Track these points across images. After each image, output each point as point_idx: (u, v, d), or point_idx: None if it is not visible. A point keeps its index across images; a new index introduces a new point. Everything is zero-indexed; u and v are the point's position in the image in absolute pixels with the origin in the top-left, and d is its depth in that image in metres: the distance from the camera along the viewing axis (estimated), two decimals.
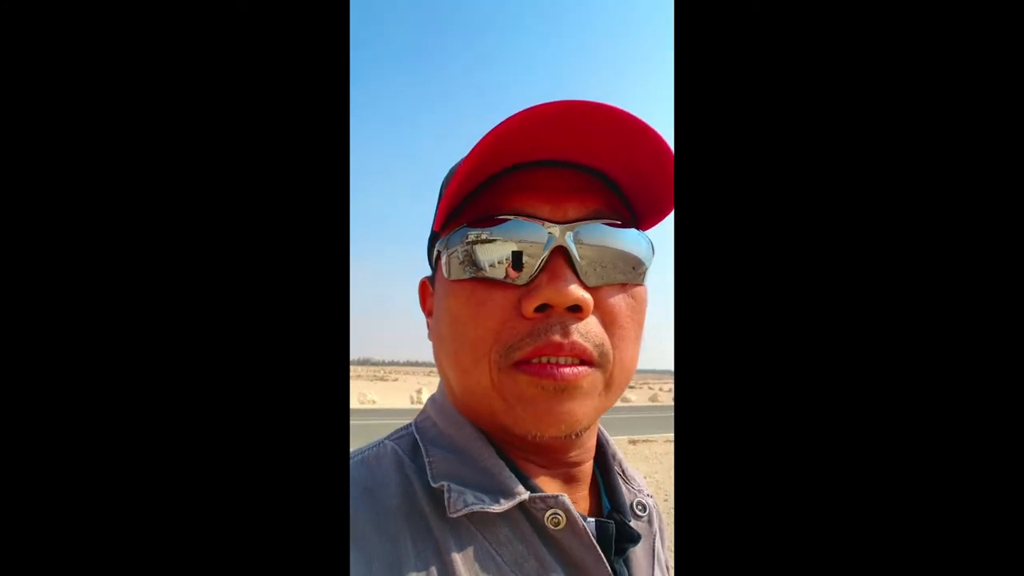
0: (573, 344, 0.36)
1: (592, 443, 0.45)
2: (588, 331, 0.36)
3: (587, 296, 0.36)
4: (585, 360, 0.36)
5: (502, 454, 0.41)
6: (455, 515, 0.36)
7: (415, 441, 0.43)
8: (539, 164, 0.39)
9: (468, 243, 0.38)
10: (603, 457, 0.48)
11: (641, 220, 0.43)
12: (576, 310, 0.36)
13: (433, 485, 0.38)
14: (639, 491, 0.47)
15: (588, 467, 0.45)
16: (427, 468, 0.40)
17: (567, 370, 0.36)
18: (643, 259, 0.40)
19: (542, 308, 0.36)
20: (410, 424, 0.46)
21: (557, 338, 0.35)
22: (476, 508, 0.37)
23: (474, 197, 0.40)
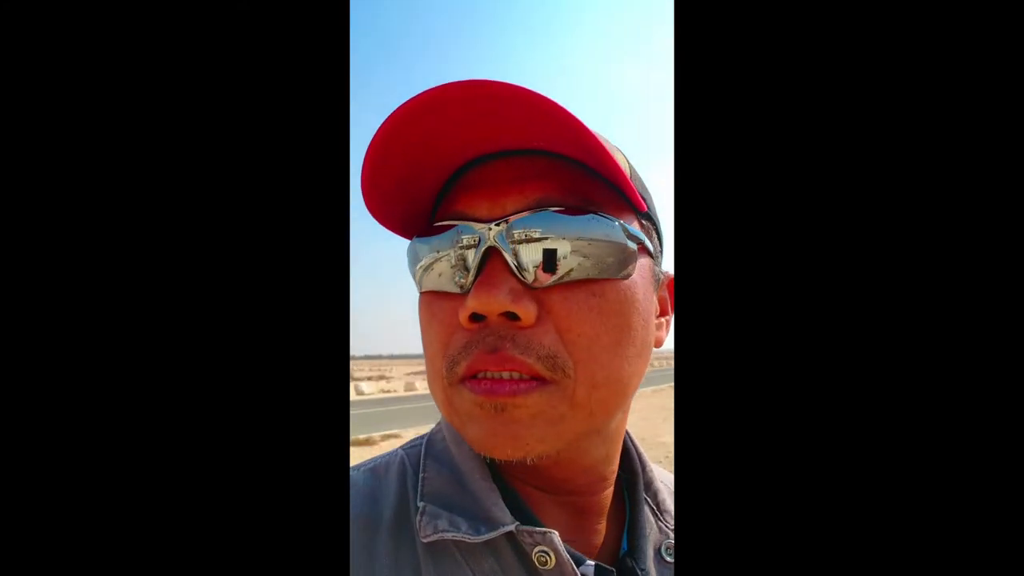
0: (504, 357, 0.31)
1: (608, 470, 0.40)
2: (530, 341, 0.32)
3: (523, 303, 0.31)
4: (531, 375, 0.32)
5: (499, 476, 0.38)
6: (426, 540, 0.34)
7: (421, 453, 0.41)
8: (490, 157, 0.35)
9: (417, 254, 0.36)
10: (633, 488, 0.42)
11: (635, 203, 0.37)
12: (514, 318, 0.32)
13: (418, 504, 0.36)
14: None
15: (604, 498, 0.40)
16: (419, 484, 0.38)
17: (504, 386, 0.32)
18: (612, 248, 0.33)
19: (477, 318, 0.32)
20: (426, 435, 0.44)
21: (488, 351, 0.32)
22: (448, 536, 0.34)
23: (439, 201, 0.38)
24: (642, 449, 0.45)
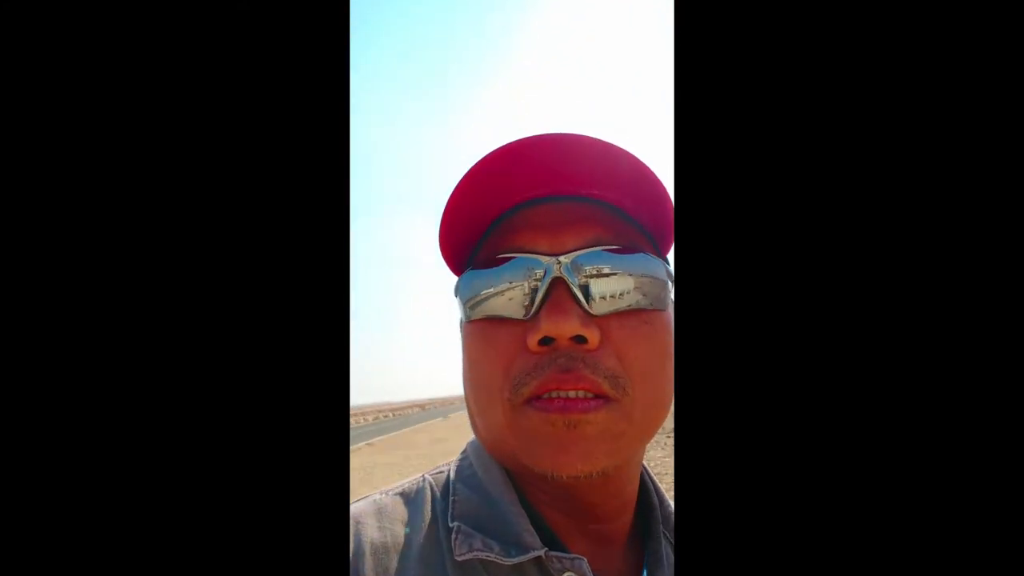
0: (579, 376, 0.34)
1: (632, 494, 0.42)
2: (597, 362, 0.35)
3: (591, 328, 0.35)
4: (598, 393, 0.35)
5: (526, 501, 0.40)
6: (460, 558, 0.36)
7: (448, 478, 0.43)
8: (540, 201, 0.39)
9: (476, 284, 0.39)
10: (647, 519, 0.44)
11: (660, 246, 0.42)
12: (581, 341, 0.35)
13: (450, 524, 0.38)
14: None
15: (625, 525, 0.42)
16: (450, 506, 0.40)
17: (577, 404, 0.34)
18: (657, 281, 0.38)
19: (546, 341, 0.35)
20: (452, 461, 0.46)
21: (561, 371, 0.34)
22: (482, 556, 0.36)
23: (485, 239, 0.41)
24: (658, 482, 0.46)
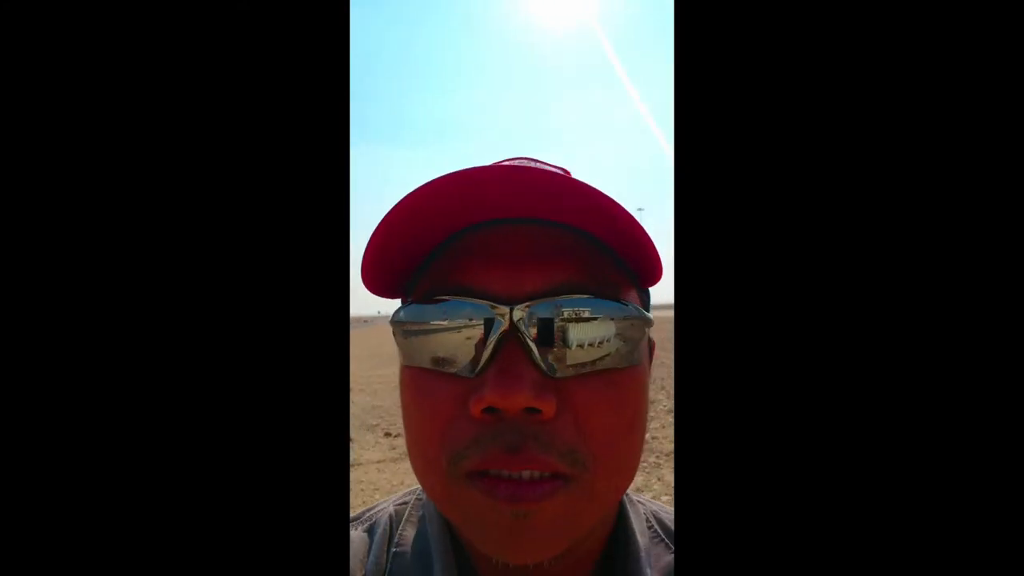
0: (528, 458, 0.28)
1: (587, 552, 0.36)
2: (552, 437, 0.29)
3: (546, 397, 0.29)
4: (554, 472, 0.29)
5: (464, 560, 0.36)
6: None
7: (405, 513, 0.41)
8: (498, 223, 0.32)
9: (412, 325, 0.32)
10: (607, 571, 0.37)
11: (642, 278, 0.36)
12: (534, 412, 0.29)
13: None
14: None
15: None
16: (387, 558, 0.37)
17: (528, 489, 0.29)
18: (633, 337, 0.32)
19: (492, 411, 0.29)
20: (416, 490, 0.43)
21: (506, 450, 0.29)
22: None
23: (426, 268, 0.34)
24: (635, 524, 0.40)
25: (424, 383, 0.32)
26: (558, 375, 0.30)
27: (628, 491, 0.40)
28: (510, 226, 0.32)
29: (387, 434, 4.74)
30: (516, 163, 0.32)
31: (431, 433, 0.31)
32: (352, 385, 7.56)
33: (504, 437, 0.29)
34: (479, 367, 0.30)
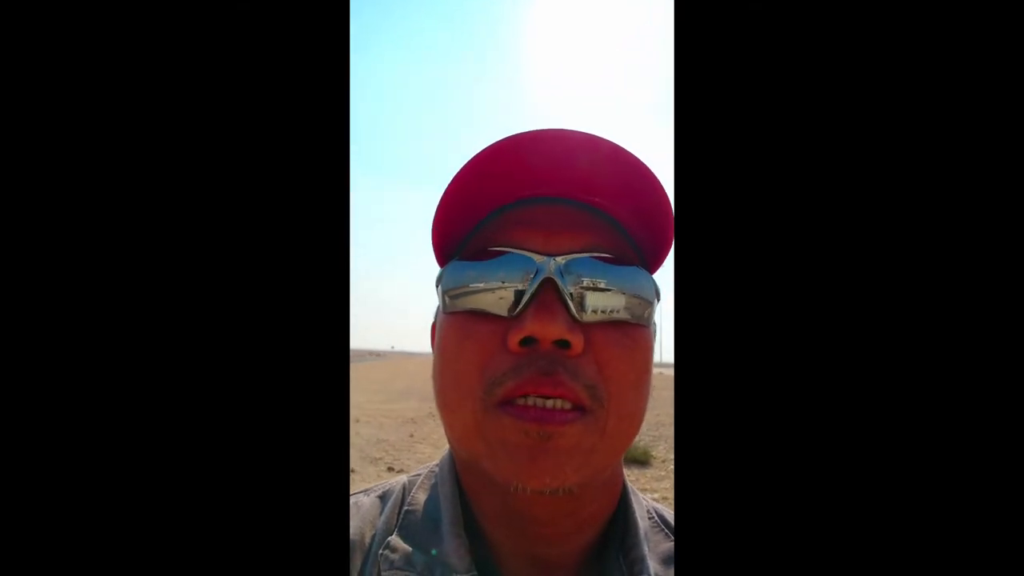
0: (559, 381, 0.33)
1: (587, 518, 0.39)
2: (578, 369, 0.34)
3: (576, 333, 0.34)
4: (576, 403, 0.34)
5: (471, 517, 0.39)
6: (384, 574, 0.36)
7: (418, 482, 0.44)
8: (537, 200, 0.39)
9: (461, 276, 0.38)
10: (606, 548, 0.40)
11: (649, 261, 0.42)
12: (564, 346, 0.34)
13: (389, 537, 0.39)
14: None
15: (575, 548, 0.39)
16: (401, 516, 0.40)
17: (553, 415, 0.33)
18: (644, 299, 0.38)
19: (528, 342, 0.34)
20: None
21: (541, 374, 0.33)
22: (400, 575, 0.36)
23: (476, 232, 0.40)
24: (636, 508, 0.43)
25: (466, 324, 0.37)
26: (585, 319, 0.35)
27: (630, 486, 0.44)
28: (548, 204, 0.39)
29: (390, 468, 4.66)
30: (560, 132, 0.37)
31: (471, 367, 0.36)
32: (359, 416, 7.51)
33: (539, 363, 0.33)
34: (519, 308, 0.35)
